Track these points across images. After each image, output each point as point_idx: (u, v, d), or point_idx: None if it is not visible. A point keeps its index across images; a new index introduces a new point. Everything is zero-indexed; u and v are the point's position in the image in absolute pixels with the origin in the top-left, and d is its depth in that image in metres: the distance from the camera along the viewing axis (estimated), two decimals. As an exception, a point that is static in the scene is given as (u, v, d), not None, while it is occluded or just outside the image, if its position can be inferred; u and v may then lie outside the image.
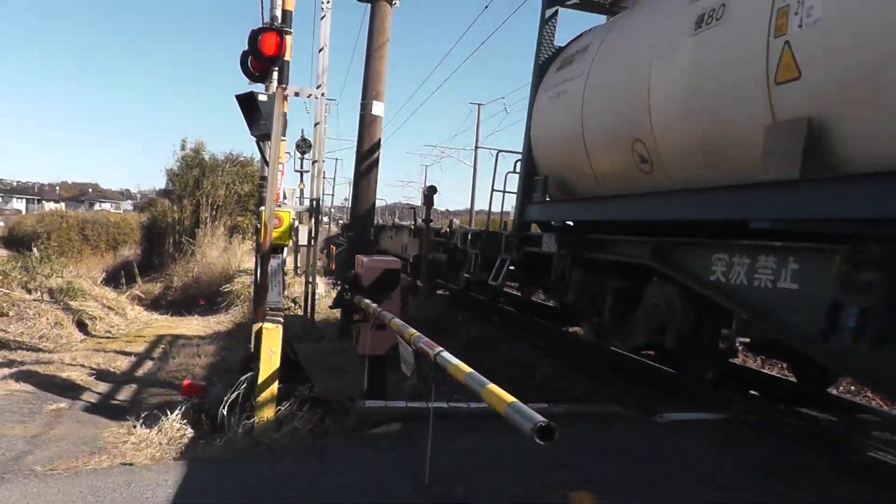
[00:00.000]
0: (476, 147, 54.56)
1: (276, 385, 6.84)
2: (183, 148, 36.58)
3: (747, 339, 7.74)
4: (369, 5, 15.33)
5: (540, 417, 3.27)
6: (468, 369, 4.29)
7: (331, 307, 8.75)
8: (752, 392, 9.39)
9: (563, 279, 10.46)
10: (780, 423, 7.43)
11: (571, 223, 11.27)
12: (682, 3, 7.60)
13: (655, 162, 8.05)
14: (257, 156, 32.93)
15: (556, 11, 11.68)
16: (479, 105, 57.65)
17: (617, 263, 9.32)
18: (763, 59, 6.00)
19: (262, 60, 8.88)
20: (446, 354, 4.60)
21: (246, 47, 8.89)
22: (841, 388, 10.04)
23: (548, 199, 11.28)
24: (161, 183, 39.49)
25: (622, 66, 8.85)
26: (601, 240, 9.62)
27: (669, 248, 7.95)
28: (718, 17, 6.79)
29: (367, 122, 15.38)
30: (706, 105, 6.95)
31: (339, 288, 9.78)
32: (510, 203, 13.47)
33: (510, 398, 3.70)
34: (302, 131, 24.65)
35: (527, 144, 11.97)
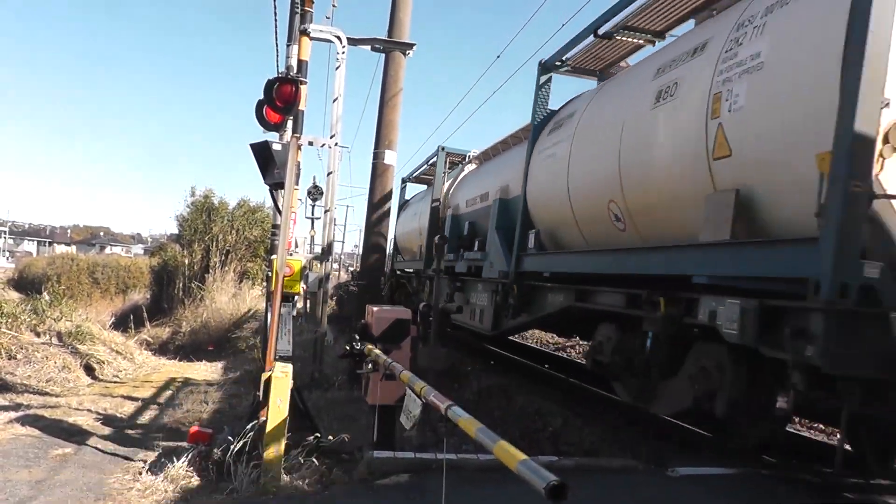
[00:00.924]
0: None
1: (284, 434, 6.79)
2: (192, 194, 37.02)
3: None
4: (383, 55, 15.48)
5: (552, 476, 3.22)
6: (479, 424, 4.24)
7: (339, 357, 8.68)
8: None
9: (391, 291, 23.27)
10: (796, 479, 7.32)
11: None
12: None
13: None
14: (267, 201, 32.90)
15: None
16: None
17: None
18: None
19: (277, 110, 8.96)
20: (457, 409, 4.55)
21: (261, 96, 8.99)
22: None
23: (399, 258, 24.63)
24: (172, 227, 39.77)
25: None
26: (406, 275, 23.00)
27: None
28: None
29: (379, 171, 15.48)
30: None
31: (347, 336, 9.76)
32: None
33: (522, 455, 3.64)
34: (314, 178, 24.82)
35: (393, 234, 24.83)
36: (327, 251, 13.03)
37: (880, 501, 6.73)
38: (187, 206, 36.97)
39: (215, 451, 7.43)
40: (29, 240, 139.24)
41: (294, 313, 8.99)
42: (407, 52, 15.38)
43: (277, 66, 11.21)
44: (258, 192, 74.11)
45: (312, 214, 25.08)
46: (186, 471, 7.17)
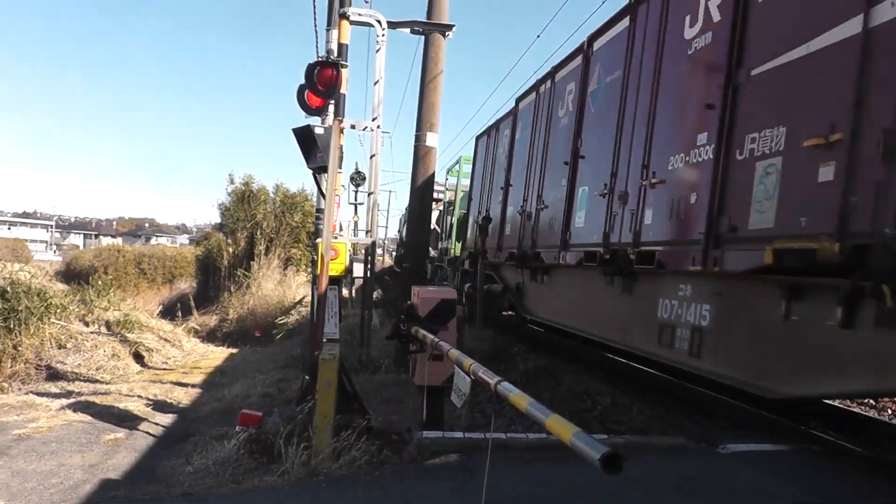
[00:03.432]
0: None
1: (333, 415, 6.79)
2: (231, 182, 37.14)
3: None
4: (423, 37, 15.39)
5: (606, 448, 3.18)
6: (530, 399, 4.20)
7: (387, 338, 8.66)
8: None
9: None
10: (846, 454, 7.18)
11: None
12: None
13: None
14: (306, 185, 32.97)
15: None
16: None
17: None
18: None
19: (318, 94, 8.93)
20: (507, 384, 4.51)
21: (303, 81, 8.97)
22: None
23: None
24: (216, 217, 40.01)
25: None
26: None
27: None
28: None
29: (421, 154, 15.40)
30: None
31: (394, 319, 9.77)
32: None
33: (575, 428, 3.60)
34: (356, 164, 24.83)
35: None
36: (372, 244, 13.02)
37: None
38: (228, 195, 37.21)
39: (265, 433, 7.46)
40: (75, 233, 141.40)
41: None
42: (446, 33, 15.25)
43: (318, 50, 11.20)
44: (298, 176, 74.66)
45: (356, 200, 25.05)
46: (237, 454, 7.19)
